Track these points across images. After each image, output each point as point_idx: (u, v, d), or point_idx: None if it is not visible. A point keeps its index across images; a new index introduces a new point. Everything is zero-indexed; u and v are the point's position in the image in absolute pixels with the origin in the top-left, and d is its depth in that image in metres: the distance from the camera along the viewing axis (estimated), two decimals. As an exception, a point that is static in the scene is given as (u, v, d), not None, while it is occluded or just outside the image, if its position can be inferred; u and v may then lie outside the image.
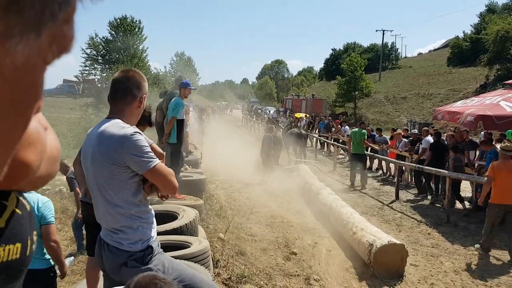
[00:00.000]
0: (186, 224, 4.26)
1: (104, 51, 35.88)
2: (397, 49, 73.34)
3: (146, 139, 2.16)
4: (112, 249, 2.07)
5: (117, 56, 34.44)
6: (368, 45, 70.46)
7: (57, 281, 3.29)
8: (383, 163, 13.26)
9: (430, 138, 10.21)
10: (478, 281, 5.55)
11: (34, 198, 2.97)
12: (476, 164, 9.20)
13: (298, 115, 25.77)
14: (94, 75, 35.96)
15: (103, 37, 35.72)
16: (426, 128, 11.82)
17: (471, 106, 8.56)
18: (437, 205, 9.56)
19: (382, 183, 12.14)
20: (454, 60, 48.27)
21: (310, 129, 22.10)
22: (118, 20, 36.24)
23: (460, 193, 10.11)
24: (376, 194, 10.75)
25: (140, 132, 2.10)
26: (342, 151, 16.72)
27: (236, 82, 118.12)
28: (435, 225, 7.96)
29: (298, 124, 23.11)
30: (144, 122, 3.58)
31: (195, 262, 3.41)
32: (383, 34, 56.31)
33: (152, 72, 40.26)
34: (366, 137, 11.73)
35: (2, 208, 0.59)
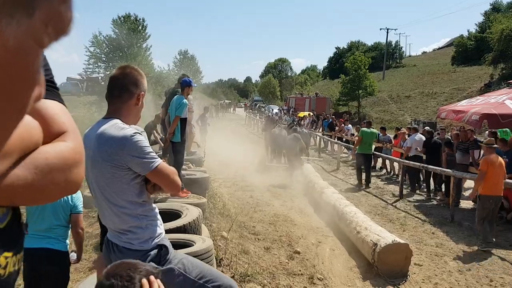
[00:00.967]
0: (189, 222, 4.24)
1: (107, 49, 35.93)
2: (401, 47, 73.11)
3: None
4: (123, 250, 2.04)
5: (120, 54, 34.50)
6: (372, 44, 70.39)
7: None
8: (387, 162, 13.21)
9: (418, 136, 10.72)
10: (483, 281, 5.51)
11: None
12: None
13: (301, 114, 25.75)
14: (98, 73, 36.09)
15: (107, 35, 35.77)
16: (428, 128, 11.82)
17: (476, 105, 8.51)
18: (433, 202, 9.54)
19: (386, 182, 12.09)
20: (458, 59, 48.06)
21: (314, 127, 22.04)
22: (122, 18, 36.29)
23: (463, 193, 10.14)
24: (380, 193, 10.71)
25: (140, 132, 2.05)
26: (345, 150, 16.68)
27: (239, 80, 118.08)
28: (439, 225, 7.91)
29: (302, 123, 23.11)
30: None
31: (198, 261, 3.39)
32: (387, 32, 56.01)
33: (156, 71, 40.30)
34: (377, 137, 11.78)
35: None
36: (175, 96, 6.26)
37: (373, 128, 12.20)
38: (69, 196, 3.23)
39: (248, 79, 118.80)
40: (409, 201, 9.80)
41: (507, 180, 6.90)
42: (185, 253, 3.38)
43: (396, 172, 12.50)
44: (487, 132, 10.03)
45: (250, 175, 12.36)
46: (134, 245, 2.00)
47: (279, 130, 14.18)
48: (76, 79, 41.19)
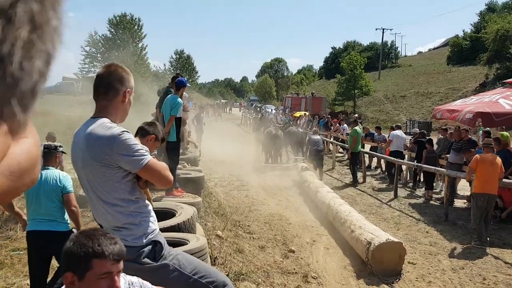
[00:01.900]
0: (184, 221, 4.26)
1: (103, 48, 35.88)
2: (397, 47, 73.28)
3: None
4: None
5: (116, 53, 34.46)
6: (368, 44, 70.49)
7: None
8: (382, 161, 13.28)
9: (397, 132, 12.00)
10: (476, 279, 5.55)
11: (55, 173, 3.69)
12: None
13: (297, 114, 25.77)
14: (94, 73, 36.00)
15: (103, 35, 35.72)
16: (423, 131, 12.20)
17: (470, 104, 8.58)
18: (429, 201, 9.60)
19: (380, 181, 12.15)
20: (453, 59, 48.27)
21: (310, 127, 22.09)
22: (118, 17, 36.24)
23: (458, 192, 10.22)
24: (375, 192, 10.77)
25: (128, 130, 2.05)
26: (341, 149, 16.74)
27: (235, 80, 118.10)
28: (433, 223, 7.96)
29: (298, 123, 23.14)
30: None
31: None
32: (383, 32, 56.21)
33: (152, 70, 40.32)
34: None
35: None
36: (169, 95, 6.27)
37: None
38: (58, 179, 3.65)
39: (244, 79, 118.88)
40: (403, 200, 9.86)
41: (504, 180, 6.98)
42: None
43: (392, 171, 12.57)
44: (481, 131, 10.11)
45: (246, 175, 12.39)
46: (128, 241, 2.02)
47: (275, 130, 14.22)
48: (71, 78, 41.01)
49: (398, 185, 10.43)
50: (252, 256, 5.73)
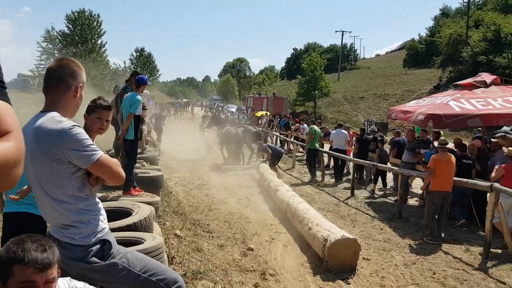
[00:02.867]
0: (140, 220, 4.21)
1: (60, 44, 34.69)
2: (356, 50, 75.29)
3: None
4: (64, 245, 2.00)
5: (74, 50, 33.43)
6: (328, 46, 71.93)
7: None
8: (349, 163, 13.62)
9: (334, 132, 12.89)
10: (426, 274, 5.79)
11: None
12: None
13: (258, 113, 25.95)
14: (49, 70, 34.77)
15: (60, 31, 34.54)
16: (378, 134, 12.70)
17: (423, 105, 8.93)
18: (384, 199, 9.94)
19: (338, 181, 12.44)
20: (409, 62, 50.11)
21: (271, 127, 22.30)
22: (76, 13, 35.15)
23: (412, 190, 10.64)
24: (333, 191, 11.02)
25: (79, 125, 2.00)
26: (301, 149, 17.00)
27: (198, 79, 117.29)
28: (387, 220, 8.25)
29: (259, 122, 23.31)
30: None
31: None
32: (343, 35, 57.61)
33: (111, 67, 39.39)
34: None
35: None
36: (129, 93, 6.17)
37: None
38: None
39: (206, 78, 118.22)
40: (360, 198, 10.15)
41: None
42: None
43: (350, 171, 12.90)
44: (431, 132, 10.58)
45: (207, 174, 12.37)
46: (76, 240, 1.98)
47: (235, 129, 14.30)
48: (27, 75, 39.37)
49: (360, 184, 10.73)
50: (211, 255, 5.73)
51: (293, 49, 76.37)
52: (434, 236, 7.06)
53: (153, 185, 6.69)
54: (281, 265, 5.87)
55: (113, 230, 3.06)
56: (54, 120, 1.95)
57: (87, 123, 2.42)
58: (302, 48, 74.49)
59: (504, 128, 8.61)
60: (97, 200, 2.12)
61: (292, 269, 5.79)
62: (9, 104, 0.88)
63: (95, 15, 36.38)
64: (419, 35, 58.64)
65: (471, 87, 8.68)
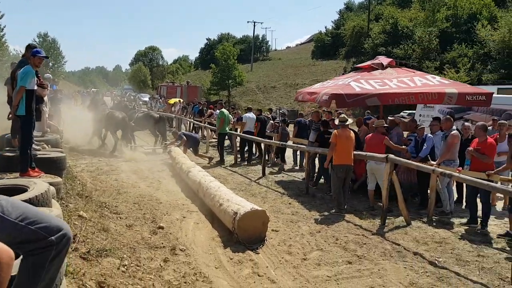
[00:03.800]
0: (36, 196, 3.93)
1: None
2: (268, 41, 76.89)
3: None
4: None
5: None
6: (241, 37, 72.55)
7: None
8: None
9: (248, 114, 13.50)
10: (330, 240, 6.16)
11: None
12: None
13: (171, 100, 25.49)
14: None
15: None
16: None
17: (327, 87, 9.43)
18: (293, 178, 10.37)
19: (250, 164, 12.70)
20: (317, 54, 52.45)
21: (184, 114, 22.08)
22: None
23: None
24: (245, 172, 11.23)
25: None
26: (215, 135, 17.02)
27: (108, 69, 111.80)
28: (296, 196, 8.63)
29: (172, 109, 22.91)
30: None
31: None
32: (254, 25, 58.90)
33: (11, 54, 36.54)
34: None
35: None
36: (23, 67, 5.70)
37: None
38: None
39: (117, 67, 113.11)
40: (270, 178, 10.47)
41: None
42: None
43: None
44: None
45: (116, 160, 11.90)
46: None
47: (120, 113, 13.93)
48: None
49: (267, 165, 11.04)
50: (118, 235, 5.53)
51: (207, 39, 75.77)
52: (340, 208, 7.54)
53: (54, 166, 6.29)
54: (192, 241, 5.87)
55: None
56: None
57: None
58: (216, 38, 74.27)
59: (402, 113, 9.49)
60: None
61: (203, 244, 5.82)
62: None
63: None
64: (325, 27, 61.65)
65: (370, 69, 9.35)
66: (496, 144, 7.99)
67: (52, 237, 1.82)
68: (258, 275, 4.88)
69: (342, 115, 7.98)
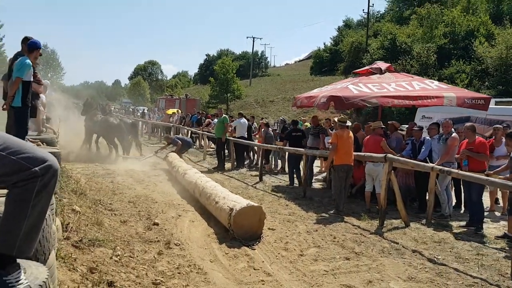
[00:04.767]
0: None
1: None
2: (267, 57, 77.54)
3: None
4: None
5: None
6: (240, 53, 73.13)
7: None
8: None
9: (239, 120, 14.00)
10: (327, 238, 6.07)
11: None
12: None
13: (170, 111, 25.55)
14: None
15: None
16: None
17: (325, 90, 9.46)
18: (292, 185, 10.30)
19: (248, 169, 12.65)
20: (316, 69, 52.84)
21: (182, 124, 22.16)
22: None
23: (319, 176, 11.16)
24: (242, 177, 11.15)
25: None
26: (213, 144, 16.98)
27: (107, 83, 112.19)
28: (293, 199, 8.54)
29: (170, 120, 22.91)
30: None
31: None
32: (253, 41, 59.35)
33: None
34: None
35: None
36: (19, 58, 5.68)
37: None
38: None
39: (116, 82, 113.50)
40: (268, 183, 10.40)
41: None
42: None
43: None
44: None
45: (112, 165, 11.83)
46: None
47: (115, 119, 13.76)
48: None
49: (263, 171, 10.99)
50: (112, 229, 5.43)
51: (206, 55, 76.36)
52: (339, 210, 7.45)
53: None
54: (187, 237, 5.78)
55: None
56: None
57: None
58: (215, 54, 74.83)
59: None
60: None
61: (198, 239, 5.73)
62: None
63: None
64: (324, 44, 62.13)
65: (368, 73, 9.39)
66: (494, 148, 7.99)
67: (36, 168, 1.69)
68: (254, 269, 4.78)
69: (342, 116, 7.96)
